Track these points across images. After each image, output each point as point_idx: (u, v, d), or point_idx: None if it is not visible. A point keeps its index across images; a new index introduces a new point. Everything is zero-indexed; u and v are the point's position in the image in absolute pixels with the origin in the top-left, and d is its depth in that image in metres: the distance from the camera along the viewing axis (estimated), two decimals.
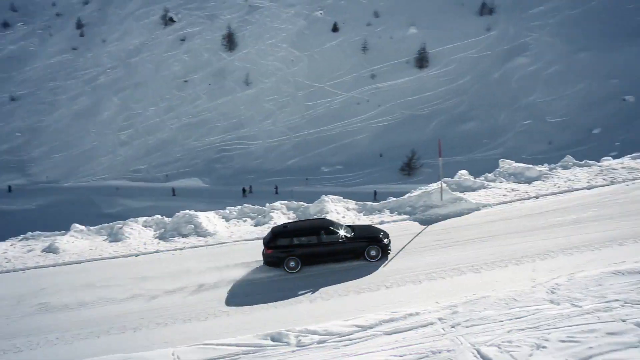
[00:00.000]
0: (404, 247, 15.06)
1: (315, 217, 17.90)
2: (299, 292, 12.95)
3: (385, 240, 14.45)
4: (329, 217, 18.12)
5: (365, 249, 14.21)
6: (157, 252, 16.91)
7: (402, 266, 13.85)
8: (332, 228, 14.43)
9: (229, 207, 20.02)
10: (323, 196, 19.53)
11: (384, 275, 13.46)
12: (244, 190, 69.53)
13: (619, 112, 75.89)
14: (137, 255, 16.82)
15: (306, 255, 14.07)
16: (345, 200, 19.86)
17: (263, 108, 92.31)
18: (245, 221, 19.01)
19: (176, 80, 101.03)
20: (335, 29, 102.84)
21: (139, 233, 18.48)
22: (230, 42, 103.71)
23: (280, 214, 18.93)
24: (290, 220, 17.31)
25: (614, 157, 22.32)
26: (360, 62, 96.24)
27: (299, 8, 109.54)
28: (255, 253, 15.45)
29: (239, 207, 19.91)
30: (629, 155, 21.78)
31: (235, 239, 17.37)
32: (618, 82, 79.83)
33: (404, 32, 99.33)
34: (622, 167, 20.10)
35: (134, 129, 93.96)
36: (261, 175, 77.61)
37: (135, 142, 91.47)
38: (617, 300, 9.56)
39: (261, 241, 14.98)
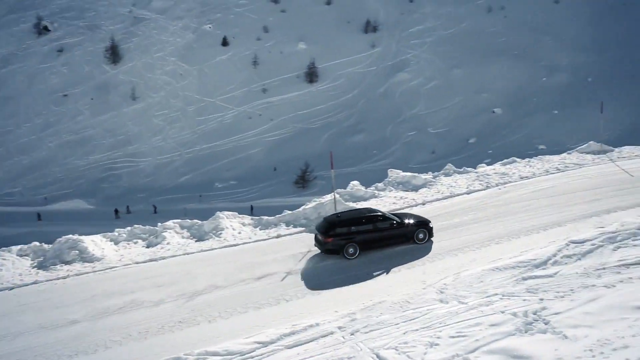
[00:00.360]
0: (300, 260, 15.21)
1: (357, 208, 18.02)
2: (196, 314, 12.51)
3: (430, 224, 15.49)
4: (224, 233, 17.82)
5: (415, 233, 15.20)
6: (35, 282, 15.39)
7: (300, 278, 13.96)
8: (384, 215, 15.31)
9: (117, 229, 18.86)
10: (218, 212, 19.13)
11: (283, 288, 13.46)
12: (116, 211, 63.82)
13: (490, 122, 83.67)
14: (11, 288, 15.17)
15: (364, 242, 14.79)
16: (240, 215, 19.65)
17: (152, 123, 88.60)
18: (136, 243, 18.01)
19: (54, 94, 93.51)
20: (225, 43, 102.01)
21: (12, 263, 16.69)
22: (114, 54, 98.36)
23: (174, 234, 18.22)
24: (334, 212, 17.07)
25: (488, 164, 24.69)
26: (251, 76, 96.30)
27: (187, 21, 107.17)
28: (147, 276, 14.67)
29: (129, 228, 18.84)
30: (499, 162, 24.23)
31: (126, 262, 16.38)
32: (488, 96, 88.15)
33: (293, 47, 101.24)
34: (495, 173, 22.23)
35: (4, 148, 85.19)
36: (152, 194, 74.18)
37: (6, 162, 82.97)
38: (496, 294, 10.44)
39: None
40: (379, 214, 15.39)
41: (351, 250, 14.69)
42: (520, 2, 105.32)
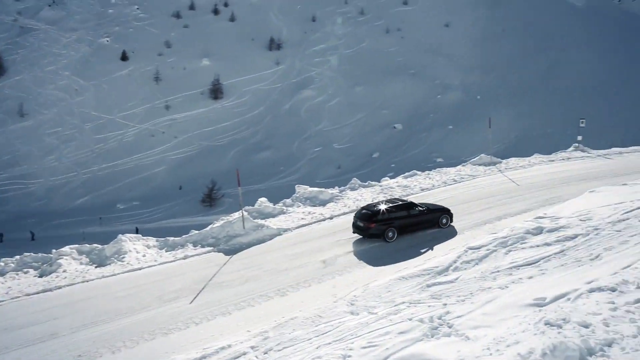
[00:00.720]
0: (210, 280, 14.82)
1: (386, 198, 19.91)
2: (98, 346, 11.67)
3: (451, 211, 17.34)
4: (127, 257, 16.94)
5: (439, 218, 17.03)
6: None
7: (210, 299, 13.56)
8: (414, 203, 17.15)
9: (3, 259, 17.19)
10: (120, 235, 18.14)
11: (192, 310, 12.99)
12: None
13: (391, 138, 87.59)
14: None
15: (401, 226, 16.49)
16: (144, 237, 18.78)
17: (44, 142, 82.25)
18: (26, 273, 16.52)
19: None
20: (124, 57, 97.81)
21: None
22: None
23: (71, 260, 16.96)
24: (364, 204, 18.63)
25: (391, 177, 25.79)
26: (153, 92, 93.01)
27: (82, 33, 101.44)
28: (40, 308, 13.50)
29: (18, 257, 17.25)
30: (402, 175, 25.39)
31: (14, 295, 14.93)
32: (388, 113, 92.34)
33: (197, 63, 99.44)
34: (398, 185, 23.25)
35: None
36: (45, 219, 68.53)
37: None
38: (403, 302, 10.83)
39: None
40: (409, 202, 17.29)
41: (390, 234, 16.33)
42: (415, 25, 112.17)
